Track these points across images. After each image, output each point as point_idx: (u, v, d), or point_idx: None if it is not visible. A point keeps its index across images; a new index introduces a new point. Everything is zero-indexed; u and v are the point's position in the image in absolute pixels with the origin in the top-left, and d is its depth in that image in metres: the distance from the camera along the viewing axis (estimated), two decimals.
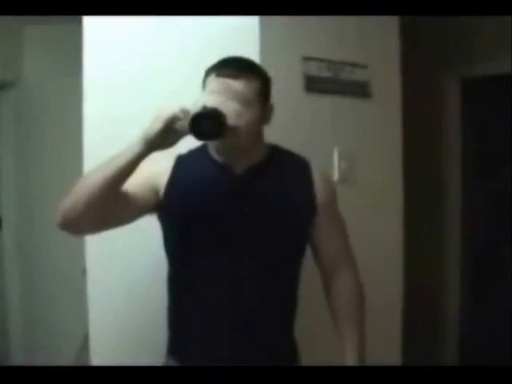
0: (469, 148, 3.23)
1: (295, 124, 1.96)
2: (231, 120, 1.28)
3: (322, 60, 2.04)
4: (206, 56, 1.43)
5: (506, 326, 2.94)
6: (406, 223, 2.31)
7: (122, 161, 1.25)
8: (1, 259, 3.23)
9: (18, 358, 3.12)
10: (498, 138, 3.12)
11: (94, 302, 1.82)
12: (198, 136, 1.25)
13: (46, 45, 3.11)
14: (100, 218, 1.31)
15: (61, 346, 2.89)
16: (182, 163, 1.43)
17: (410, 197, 2.34)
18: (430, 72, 3.17)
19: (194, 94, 1.34)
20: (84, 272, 1.85)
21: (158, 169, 1.41)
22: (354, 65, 2.11)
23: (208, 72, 1.37)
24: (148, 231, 1.52)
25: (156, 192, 1.40)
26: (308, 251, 1.51)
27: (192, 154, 1.46)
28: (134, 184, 1.34)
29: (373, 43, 2.18)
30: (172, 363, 1.45)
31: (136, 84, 1.82)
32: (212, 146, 1.41)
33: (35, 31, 3.07)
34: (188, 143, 1.39)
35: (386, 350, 2.08)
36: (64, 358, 2.65)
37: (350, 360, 1.45)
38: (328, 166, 2.02)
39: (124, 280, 1.81)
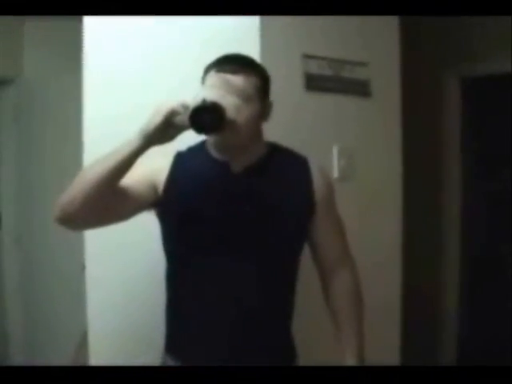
0: (469, 148, 3.23)
1: (295, 122, 1.95)
2: (230, 114, 1.28)
3: (322, 58, 2.03)
4: (206, 55, 1.42)
5: (504, 326, 2.93)
6: (405, 222, 2.31)
7: (120, 155, 1.25)
8: (0, 256, 3.23)
9: (17, 354, 3.13)
10: (497, 137, 3.11)
11: (92, 298, 1.82)
12: (198, 129, 1.23)
13: (46, 41, 3.11)
14: (98, 213, 1.31)
15: (59, 341, 2.91)
16: (181, 160, 1.43)
17: (409, 195, 2.34)
18: (430, 71, 3.17)
19: (193, 93, 1.33)
20: (83, 268, 1.85)
21: (157, 166, 1.41)
22: (354, 63, 2.11)
23: (207, 68, 1.37)
24: (147, 228, 1.52)
25: (155, 189, 1.40)
26: (307, 251, 1.51)
27: (191, 151, 1.46)
28: (134, 180, 1.34)
29: (373, 42, 2.18)
30: (170, 362, 1.44)
31: (136, 82, 1.82)
32: (211, 143, 1.41)
33: (35, 28, 3.06)
34: (187, 140, 1.39)
35: (385, 350, 2.08)
36: (62, 354, 2.65)
37: (350, 360, 1.45)
38: (328, 163, 2.02)
39: (123, 276, 1.81)
